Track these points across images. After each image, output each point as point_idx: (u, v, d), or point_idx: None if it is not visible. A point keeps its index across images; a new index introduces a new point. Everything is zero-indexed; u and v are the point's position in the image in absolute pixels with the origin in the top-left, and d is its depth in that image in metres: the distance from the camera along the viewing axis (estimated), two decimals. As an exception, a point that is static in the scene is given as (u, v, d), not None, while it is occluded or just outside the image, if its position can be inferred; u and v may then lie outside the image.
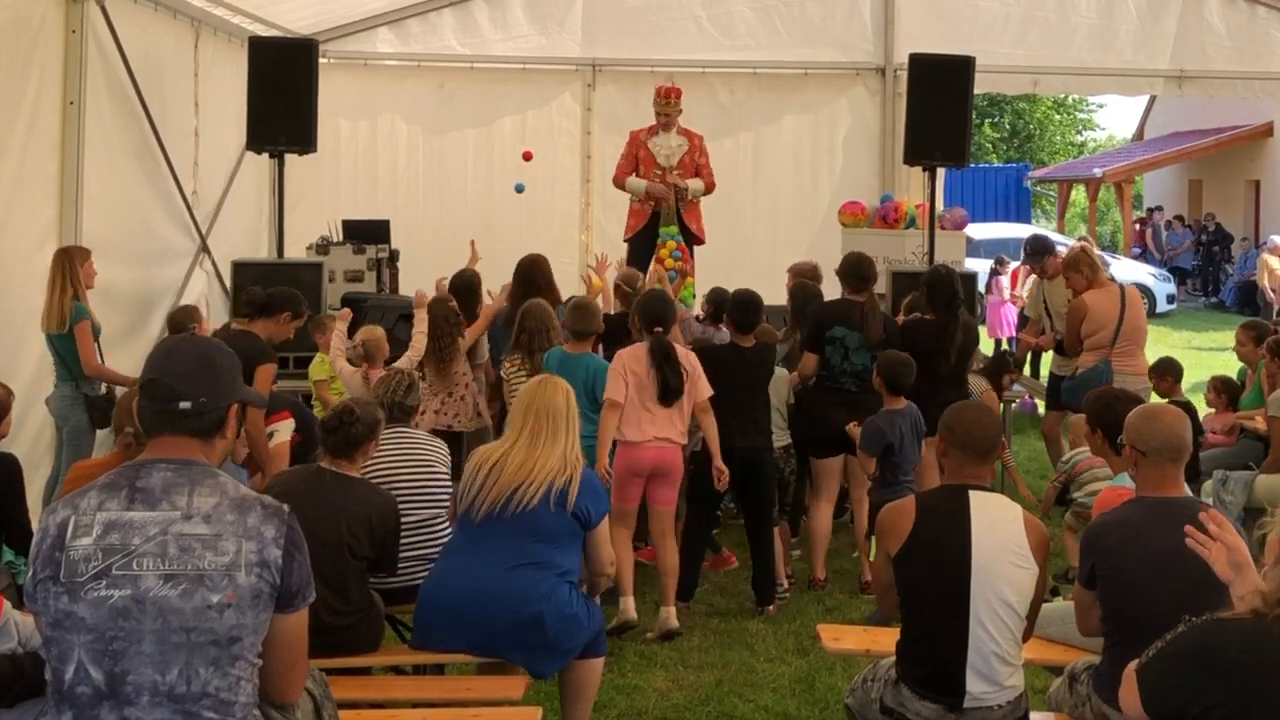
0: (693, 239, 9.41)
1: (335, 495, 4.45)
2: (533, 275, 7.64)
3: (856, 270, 7.02)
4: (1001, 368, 8.78)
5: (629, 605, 5.97)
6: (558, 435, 4.55)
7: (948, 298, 7.03)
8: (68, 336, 6.85)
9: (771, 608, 6.39)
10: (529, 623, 4.37)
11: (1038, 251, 9.57)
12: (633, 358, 6.04)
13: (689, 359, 6.12)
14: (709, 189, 9.56)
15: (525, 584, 4.38)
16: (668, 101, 9.35)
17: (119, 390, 6.84)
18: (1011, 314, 13.66)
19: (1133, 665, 2.71)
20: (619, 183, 9.52)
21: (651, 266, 8.88)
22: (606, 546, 4.66)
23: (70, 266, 6.89)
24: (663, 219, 9.26)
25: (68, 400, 6.92)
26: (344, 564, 4.39)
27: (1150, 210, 28.94)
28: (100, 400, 6.94)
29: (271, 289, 6.93)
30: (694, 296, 8.85)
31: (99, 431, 6.96)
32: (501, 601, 4.36)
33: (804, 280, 7.78)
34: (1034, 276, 9.53)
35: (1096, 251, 9.95)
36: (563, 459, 4.50)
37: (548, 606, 4.38)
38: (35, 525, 4.78)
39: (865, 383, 6.73)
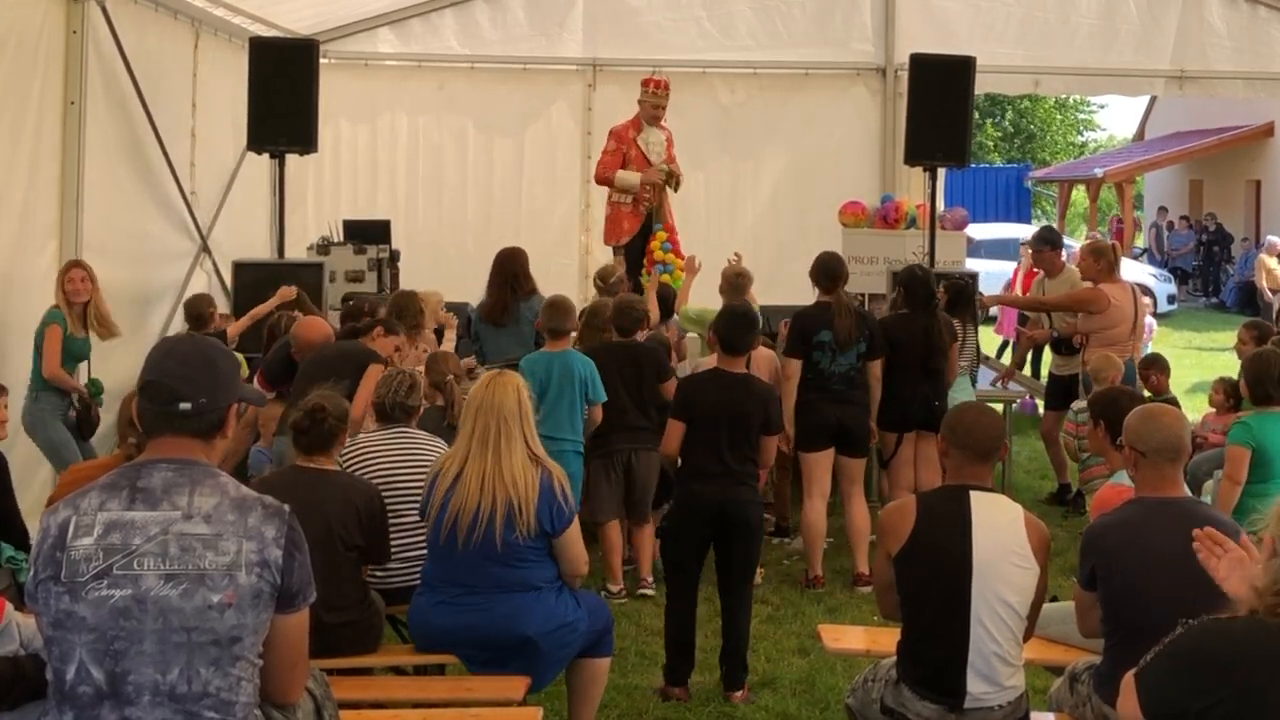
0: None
1: (317, 491, 4.43)
2: (512, 266, 7.83)
3: (827, 270, 7.05)
4: (960, 298, 7.90)
5: None
6: (512, 440, 4.28)
7: (925, 298, 7.24)
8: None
9: (740, 693, 5.35)
10: (522, 645, 4.36)
11: (1048, 239, 9.54)
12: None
13: None
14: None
15: (508, 612, 4.32)
16: (665, 93, 9.36)
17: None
18: (1012, 314, 13.62)
19: (1131, 672, 2.72)
20: (607, 180, 9.42)
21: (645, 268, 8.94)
22: (575, 549, 4.44)
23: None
24: (655, 215, 9.27)
25: (27, 412, 6.78)
26: (337, 557, 4.40)
27: (1132, 211, 28.87)
28: (83, 410, 6.92)
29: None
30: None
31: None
32: (489, 631, 4.34)
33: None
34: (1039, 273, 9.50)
35: None
36: (517, 469, 4.26)
37: (535, 627, 4.34)
38: (34, 530, 4.78)
39: (852, 381, 6.85)
